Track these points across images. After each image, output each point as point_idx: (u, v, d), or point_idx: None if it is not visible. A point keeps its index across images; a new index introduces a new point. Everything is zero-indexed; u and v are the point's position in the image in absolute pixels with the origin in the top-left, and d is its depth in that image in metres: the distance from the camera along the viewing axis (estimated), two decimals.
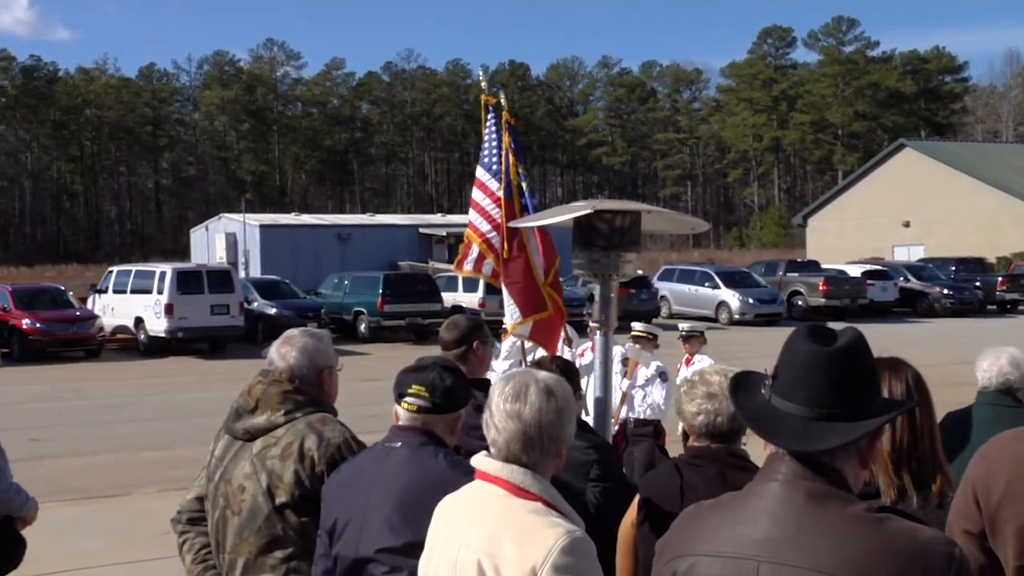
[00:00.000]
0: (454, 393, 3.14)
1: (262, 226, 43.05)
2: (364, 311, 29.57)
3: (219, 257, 41.87)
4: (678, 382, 9.78)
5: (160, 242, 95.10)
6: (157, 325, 26.18)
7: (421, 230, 46.00)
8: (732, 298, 34.43)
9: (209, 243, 44.90)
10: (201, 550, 3.66)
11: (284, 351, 3.59)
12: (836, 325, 2.19)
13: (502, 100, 7.46)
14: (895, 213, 53.72)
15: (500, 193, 7.15)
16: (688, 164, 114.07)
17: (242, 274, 34.92)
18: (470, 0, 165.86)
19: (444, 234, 45.24)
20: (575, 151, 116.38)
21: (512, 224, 6.29)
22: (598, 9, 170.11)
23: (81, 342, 25.93)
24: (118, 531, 10.03)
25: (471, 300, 30.68)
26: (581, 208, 4.83)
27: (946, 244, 49.34)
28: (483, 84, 8.47)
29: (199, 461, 11.91)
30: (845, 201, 58.57)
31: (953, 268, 41.27)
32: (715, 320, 34.34)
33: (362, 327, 29.32)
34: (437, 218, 53.42)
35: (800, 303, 36.38)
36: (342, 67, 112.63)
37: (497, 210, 7.08)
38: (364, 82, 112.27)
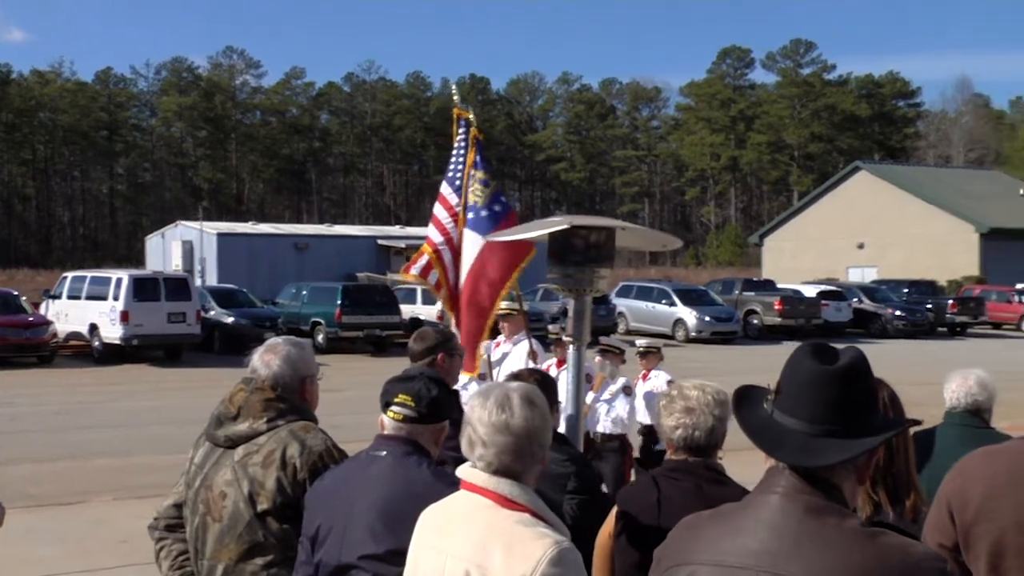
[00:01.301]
0: (439, 404, 3.18)
1: (219, 234, 42.75)
2: (322, 321, 29.47)
3: (175, 265, 41.53)
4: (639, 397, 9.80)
5: (114, 248, 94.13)
6: (112, 332, 25.91)
7: (379, 241, 45.92)
8: (689, 316, 34.67)
9: (165, 250, 44.51)
10: (179, 556, 3.66)
11: (267, 359, 3.61)
12: (823, 342, 2.26)
13: (471, 116, 7.49)
14: (850, 234, 54.42)
15: (458, 209, 7.20)
16: (646, 181, 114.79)
17: (198, 282, 34.64)
18: (432, 13, 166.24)
19: (403, 246, 45.17)
20: (534, 166, 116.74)
21: (489, 238, 6.33)
22: (559, 25, 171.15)
23: (34, 348, 25.60)
24: (75, 538, 9.92)
25: (429, 312, 30.65)
26: (557, 223, 4.89)
27: (898, 266, 50.07)
28: (455, 98, 8.39)
29: (156, 469, 11.85)
30: (801, 221, 59.24)
31: (906, 290, 41.93)
32: (671, 337, 34.56)
33: (320, 337, 29.21)
34: (396, 230, 53.36)
35: (756, 322, 36.72)
36: (302, 76, 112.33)
37: (452, 223, 7.14)
38: (324, 92, 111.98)
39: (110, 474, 13.15)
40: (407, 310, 30.61)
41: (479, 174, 7.17)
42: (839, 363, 2.12)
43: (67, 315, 27.41)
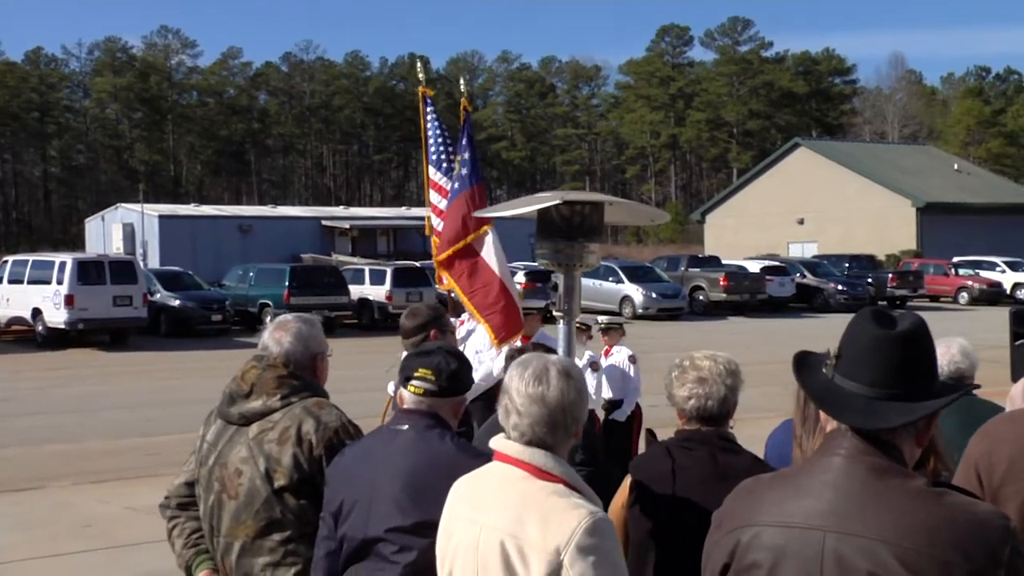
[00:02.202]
0: (459, 377, 3.20)
1: (161, 217, 42.20)
2: (270, 303, 29.24)
3: (116, 248, 40.91)
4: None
5: (48, 232, 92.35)
6: (56, 316, 25.49)
7: (324, 223, 45.58)
8: (636, 292, 34.90)
9: (106, 234, 43.81)
10: (192, 534, 3.65)
11: (278, 336, 3.60)
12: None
13: (462, 87, 7.47)
14: (790, 211, 55.06)
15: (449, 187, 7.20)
16: (587, 160, 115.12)
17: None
18: None
19: (347, 227, 44.91)
20: (474, 145, 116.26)
21: (478, 214, 6.33)
22: (498, 4, 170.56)
23: None
24: (35, 524, 9.80)
25: (378, 293, 30.59)
26: (548, 199, 4.91)
27: (838, 241, 50.78)
28: (420, 76, 8.23)
29: (112, 453, 11.75)
30: (741, 198, 59.81)
31: (847, 265, 42.58)
32: (618, 314, 34.68)
33: (268, 319, 28.95)
34: (340, 211, 52.95)
35: (701, 298, 37.06)
36: (239, 56, 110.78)
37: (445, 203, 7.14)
38: (262, 72, 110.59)
39: (65, 459, 12.98)
40: (356, 291, 30.47)
41: (463, 142, 7.21)
42: (900, 327, 2.16)
43: (8, 300, 26.93)
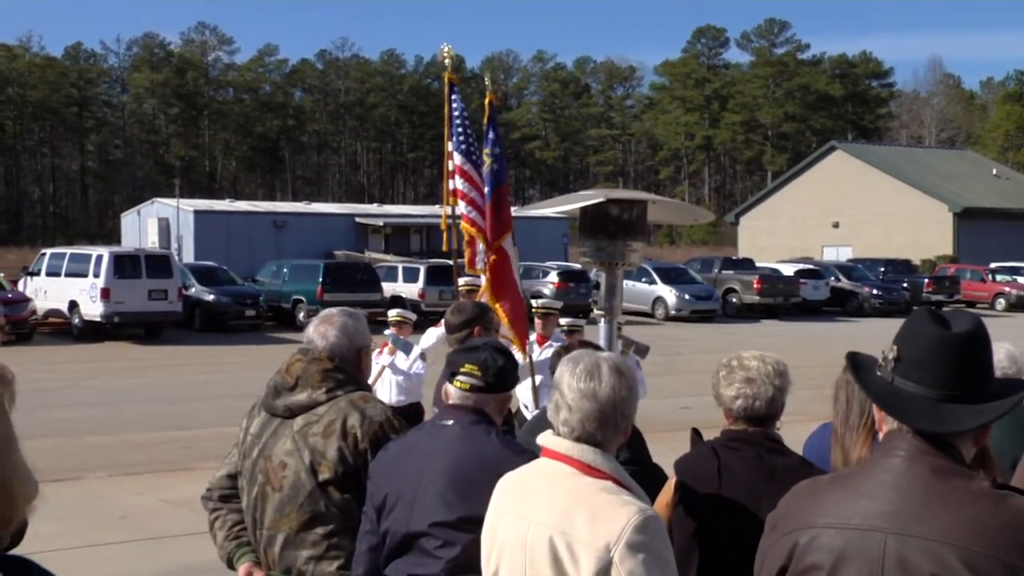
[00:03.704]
0: (505, 373, 3.19)
1: (196, 211, 42.44)
2: (303, 299, 29.36)
3: (151, 242, 41.21)
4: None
5: (85, 226, 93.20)
6: (92, 309, 25.72)
7: (357, 219, 45.68)
8: (669, 294, 34.79)
9: (141, 228, 44.12)
10: (235, 527, 3.66)
11: (323, 330, 3.61)
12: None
13: (487, 82, 7.45)
14: (825, 213, 54.72)
15: (480, 181, 7.17)
16: (620, 160, 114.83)
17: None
18: None
19: (381, 224, 45.00)
20: (508, 144, 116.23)
21: (520, 212, 6.32)
22: (534, 3, 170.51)
23: (13, 325, 25.35)
24: (73, 515, 9.84)
25: (411, 291, 30.67)
26: (592, 197, 4.90)
27: (873, 245, 50.40)
28: (447, 61, 8.03)
29: (148, 446, 11.82)
30: (777, 200, 59.49)
31: (882, 269, 42.24)
32: (651, 315, 34.69)
33: (301, 315, 29.10)
34: (374, 208, 53.08)
35: (735, 300, 36.90)
36: (275, 53, 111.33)
37: (481, 199, 7.10)
38: (297, 69, 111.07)
39: (101, 451, 13.08)
40: (388, 288, 30.55)
41: (486, 152, 7.19)
42: (962, 328, 2.14)
43: (46, 292, 27.18)
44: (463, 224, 7.25)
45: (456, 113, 7.74)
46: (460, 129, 7.67)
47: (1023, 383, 2.20)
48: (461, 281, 9.05)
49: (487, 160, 7.39)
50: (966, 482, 2.06)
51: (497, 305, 6.98)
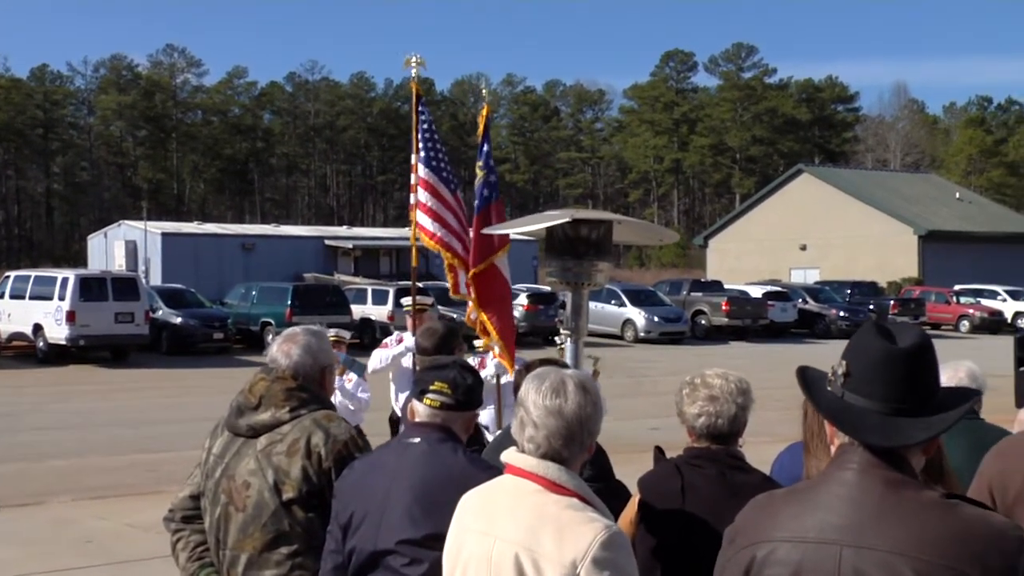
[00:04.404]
0: (474, 392, 3.21)
1: (164, 234, 42.19)
2: (272, 322, 29.23)
3: (118, 265, 40.90)
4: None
5: (50, 248, 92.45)
6: (57, 332, 25.48)
7: (327, 242, 45.59)
8: (638, 316, 34.89)
9: (108, 250, 43.80)
10: (197, 547, 3.63)
11: (287, 348, 3.60)
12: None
13: (484, 91, 7.46)
14: (792, 236, 55.13)
15: (454, 204, 7.14)
16: (590, 183, 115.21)
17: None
18: (375, 13, 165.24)
19: (350, 247, 44.92)
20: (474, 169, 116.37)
21: (487, 231, 6.31)
22: (503, 27, 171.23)
23: None
24: (36, 540, 9.75)
25: (380, 313, 30.61)
26: (558, 217, 4.92)
27: (840, 267, 50.83)
28: (413, 72, 7.98)
29: (113, 470, 11.70)
30: (744, 223, 59.89)
31: (848, 291, 42.61)
32: (621, 337, 34.77)
33: (269, 338, 28.92)
34: (343, 230, 52.98)
35: (703, 322, 37.06)
36: (244, 76, 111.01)
37: (458, 225, 7.06)
38: (266, 92, 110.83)
39: (66, 475, 12.94)
40: (358, 310, 30.48)
41: (479, 165, 7.17)
42: (908, 343, 2.17)
43: (9, 315, 26.92)
44: (430, 243, 7.20)
45: (425, 127, 7.70)
46: (429, 144, 7.63)
47: (969, 393, 2.23)
48: (405, 301, 8.88)
49: (480, 173, 7.36)
50: (917, 493, 2.09)
51: (485, 317, 6.95)
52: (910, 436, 2.12)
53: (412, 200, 7.40)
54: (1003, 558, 2.01)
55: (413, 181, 7.44)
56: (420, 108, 7.69)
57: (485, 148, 7.36)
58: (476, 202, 7.05)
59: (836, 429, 2.22)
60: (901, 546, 2.03)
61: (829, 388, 2.24)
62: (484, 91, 7.75)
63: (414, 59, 8.01)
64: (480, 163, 7.29)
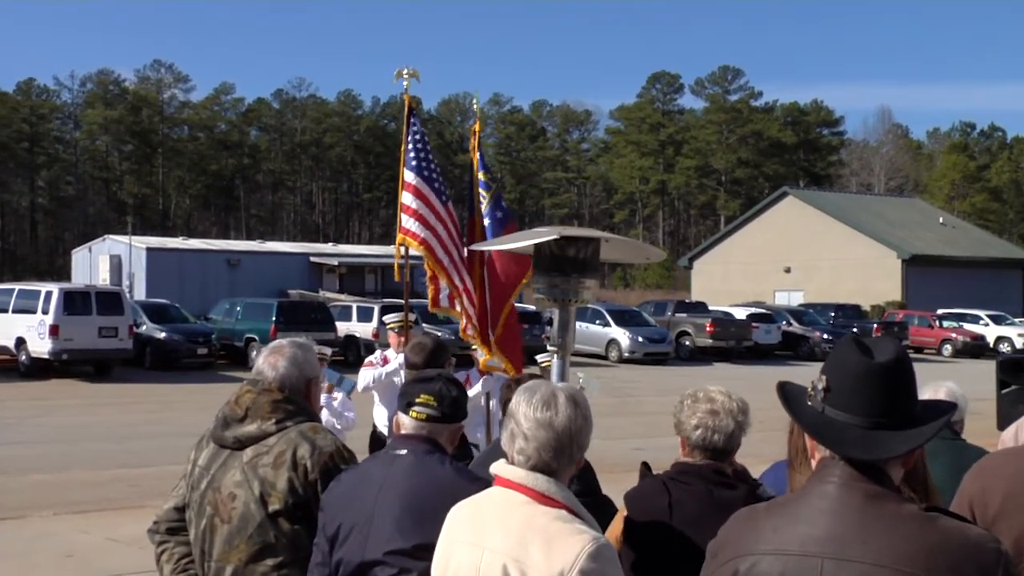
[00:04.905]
0: (459, 404, 3.22)
1: (149, 249, 42.07)
2: (256, 338, 29.15)
3: (103, 279, 40.75)
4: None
5: (34, 262, 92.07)
6: (40, 346, 25.36)
7: (312, 259, 45.53)
8: (623, 336, 34.95)
9: (92, 265, 43.65)
10: (181, 559, 3.62)
11: (273, 361, 3.60)
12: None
13: (475, 105, 7.50)
14: (777, 258, 55.35)
15: (445, 215, 7.14)
16: (575, 203, 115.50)
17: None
18: (362, 31, 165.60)
19: (335, 263, 44.88)
20: (464, 186, 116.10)
21: (474, 247, 6.33)
22: (490, 46, 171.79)
23: None
24: (17, 554, 9.69)
25: (365, 330, 30.56)
26: (545, 234, 4.94)
27: (824, 290, 51.04)
28: (405, 84, 8.00)
29: (95, 484, 11.64)
30: (729, 245, 60.11)
31: (832, 314, 42.80)
32: (605, 357, 34.80)
33: (253, 354, 28.87)
34: (328, 247, 52.92)
35: (688, 343, 37.13)
36: (231, 92, 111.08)
37: (446, 235, 7.06)
38: (253, 108, 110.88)
39: (47, 489, 12.86)
40: (343, 327, 30.44)
41: (482, 176, 7.17)
42: (886, 358, 2.20)
43: None
44: (414, 244, 7.16)
45: (416, 137, 7.72)
46: (421, 154, 7.63)
47: (946, 406, 2.26)
48: (388, 318, 8.87)
49: (485, 197, 7.36)
50: (898, 506, 2.12)
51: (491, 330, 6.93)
52: (890, 449, 2.15)
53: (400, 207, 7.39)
54: (980, 569, 2.04)
55: (402, 197, 7.43)
56: (412, 120, 7.71)
57: (482, 166, 7.40)
58: (489, 222, 7.06)
59: (817, 443, 2.25)
60: (882, 558, 2.05)
61: (810, 403, 2.27)
62: (476, 106, 7.79)
63: (406, 71, 8.02)
64: (481, 175, 7.29)
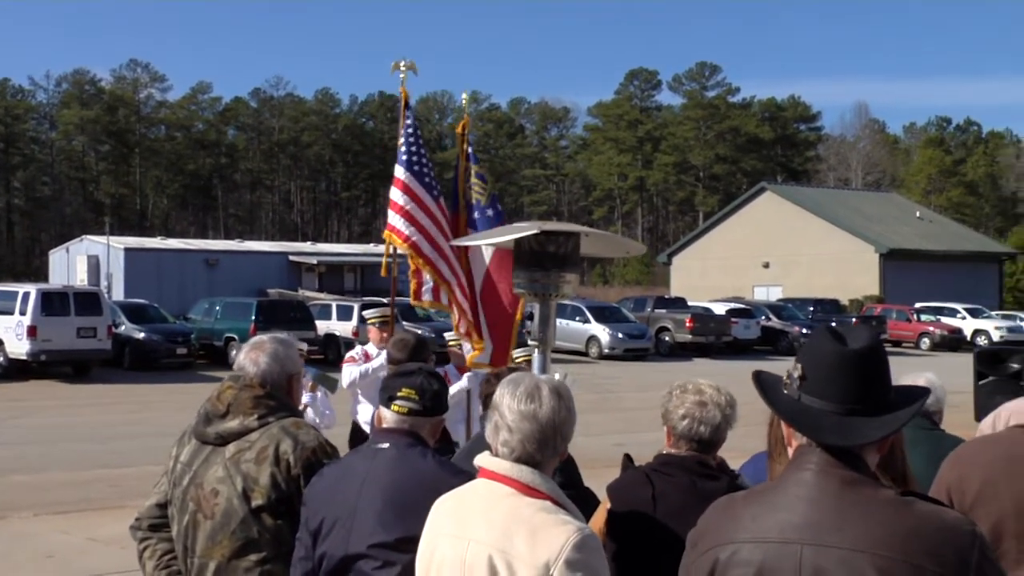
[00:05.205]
0: (440, 397, 3.24)
1: (127, 249, 41.89)
2: (236, 337, 29.04)
3: (80, 280, 40.57)
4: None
5: (11, 264, 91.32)
6: (18, 347, 25.20)
7: (291, 258, 45.45)
8: (602, 332, 34.99)
9: (70, 265, 43.44)
10: (164, 556, 3.62)
11: (254, 356, 3.61)
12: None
13: (464, 101, 7.47)
14: (755, 254, 55.56)
15: (429, 202, 7.12)
16: (554, 200, 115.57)
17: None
18: (340, 30, 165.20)
19: (314, 262, 44.81)
20: (443, 184, 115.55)
21: (455, 243, 6.34)
22: (469, 44, 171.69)
23: None
24: None
25: (345, 328, 30.52)
26: (526, 229, 4.95)
27: (802, 285, 51.27)
28: (402, 76, 7.88)
29: (76, 484, 11.56)
30: (708, 241, 60.29)
31: (811, 309, 42.98)
32: (585, 354, 34.84)
33: (233, 353, 28.78)
34: (307, 246, 52.82)
35: (668, 339, 37.22)
36: (208, 91, 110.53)
37: (436, 230, 7.04)
38: (231, 107, 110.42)
39: (27, 490, 12.78)
40: (322, 326, 30.37)
41: (474, 168, 7.16)
42: (859, 345, 2.23)
43: None
44: (398, 242, 7.13)
45: (409, 131, 7.68)
46: (413, 148, 7.59)
47: (920, 392, 2.29)
48: (368, 313, 8.83)
49: (482, 195, 7.35)
50: (874, 491, 2.15)
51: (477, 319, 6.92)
52: (865, 435, 2.18)
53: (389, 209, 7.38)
54: (957, 551, 2.08)
55: (391, 193, 7.41)
56: (407, 113, 7.67)
57: (474, 160, 7.40)
58: (479, 216, 7.04)
59: (794, 431, 2.28)
60: (860, 543, 2.09)
61: (785, 392, 2.30)
62: (464, 102, 7.75)
63: (403, 64, 7.91)
64: (474, 168, 7.29)
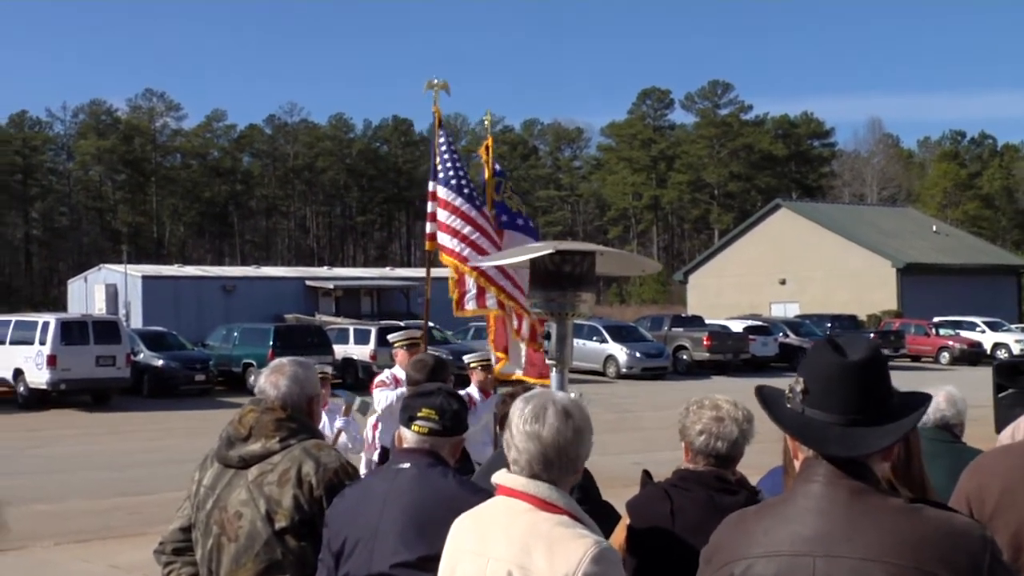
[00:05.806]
0: (460, 417, 3.26)
1: (144, 277, 42.11)
2: (254, 363, 29.13)
3: (99, 308, 40.78)
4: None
5: (29, 294, 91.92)
6: (38, 377, 25.34)
7: (308, 283, 45.58)
8: (620, 352, 34.94)
9: (88, 294, 43.67)
10: None
11: (275, 379, 3.64)
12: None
13: (486, 121, 7.50)
14: (771, 270, 55.42)
15: (480, 220, 7.12)
16: (569, 221, 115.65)
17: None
18: (353, 55, 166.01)
19: (331, 287, 44.92)
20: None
21: (473, 264, 6.36)
22: (480, 66, 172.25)
23: None
24: None
25: (363, 352, 30.58)
26: (541, 248, 4.98)
27: (819, 301, 51.08)
28: (434, 95, 7.89)
29: (96, 513, 11.61)
30: (724, 258, 60.19)
31: (829, 325, 42.78)
32: (603, 374, 34.78)
33: (252, 379, 28.87)
34: (323, 271, 52.99)
35: (685, 357, 37.13)
36: (223, 119, 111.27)
37: (482, 238, 7.04)
38: (245, 134, 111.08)
39: (47, 519, 12.84)
40: (340, 350, 30.44)
41: (508, 183, 7.20)
42: (859, 356, 2.25)
43: None
44: (446, 258, 7.12)
45: (443, 148, 7.67)
46: (449, 164, 7.57)
47: (922, 398, 2.31)
48: (392, 337, 8.83)
49: (521, 207, 7.38)
50: (883, 500, 2.17)
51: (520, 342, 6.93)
52: (870, 444, 2.20)
53: (428, 228, 7.37)
54: (969, 556, 2.09)
55: (431, 208, 7.39)
56: (440, 131, 7.66)
57: (500, 173, 7.43)
58: (507, 219, 7.08)
59: (799, 444, 2.29)
60: (871, 552, 2.10)
61: (789, 405, 2.32)
62: (487, 122, 7.78)
63: (436, 82, 7.90)
64: (509, 185, 7.33)
